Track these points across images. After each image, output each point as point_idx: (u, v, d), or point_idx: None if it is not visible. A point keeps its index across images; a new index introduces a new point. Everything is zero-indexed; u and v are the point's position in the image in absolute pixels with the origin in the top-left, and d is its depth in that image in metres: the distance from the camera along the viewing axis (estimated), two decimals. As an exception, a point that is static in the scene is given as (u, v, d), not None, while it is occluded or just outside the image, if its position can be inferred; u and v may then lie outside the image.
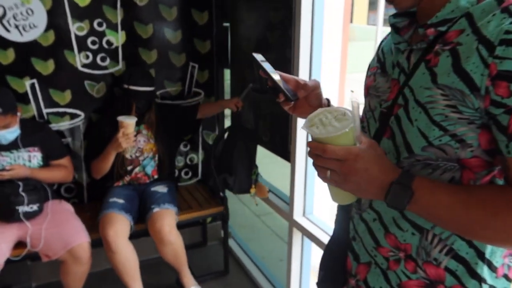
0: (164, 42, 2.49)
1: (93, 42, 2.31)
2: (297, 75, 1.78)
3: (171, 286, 2.39)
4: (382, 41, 0.93)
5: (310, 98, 0.90)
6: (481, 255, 0.73)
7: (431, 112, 0.67)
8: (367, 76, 0.93)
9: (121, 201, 2.19)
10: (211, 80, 2.68)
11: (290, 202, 2.00)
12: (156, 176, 2.38)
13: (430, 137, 0.68)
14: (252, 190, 2.34)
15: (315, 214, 2.01)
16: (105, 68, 2.38)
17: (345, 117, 0.70)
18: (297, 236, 2.02)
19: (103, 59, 2.36)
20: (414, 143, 0.71)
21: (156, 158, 2.36)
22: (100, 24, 2.31)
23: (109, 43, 2.35)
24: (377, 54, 0.91)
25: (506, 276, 0.76)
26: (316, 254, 2.14)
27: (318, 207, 2.07)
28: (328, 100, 0.97)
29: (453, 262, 0.73)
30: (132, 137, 2.08)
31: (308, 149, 0.71)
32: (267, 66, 0.91)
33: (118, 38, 2.37)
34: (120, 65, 2.41)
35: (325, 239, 1.81)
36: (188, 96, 2.65)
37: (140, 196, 2.32)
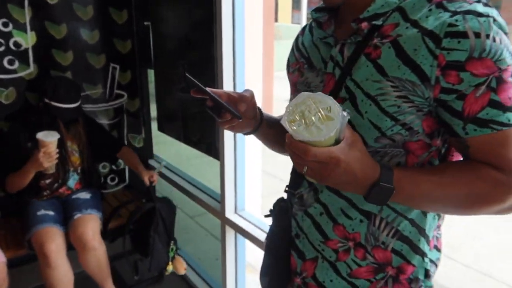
0: (80, 43, 2.36)
1: (-1, 44, 2.13)
2: (221, 75, 1.78)
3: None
4: (297, 37, 0.95)
5: (247, 109, 0.84)
6: (422, 232, 0.79)
7: (382, 104, 0.70)
8: (290, 73, 0.94)
9: (51, 213, 2.05)
10: (134, 81, 2.59)
11: (221, 200, 2.00)
12: (79, 188, 2.25)
13: (382, 128, 0.71)
14: (169, 267, 2.29)
15: (247, 211, 2.02)
16: (14, 71, 2.20)
17: (330, 113, 0.62)
18: (230, 233, 2.02)
19: (11, 62, 2.18)
20: (367, 135, 0.73)
21: (79, 170, 2.23)
22: (5, 25, 2.12)
23: (17, 44, 2.17)
24: (296, 50, 0.92)
25: (436, 247, 0.83)
26: (250, 251, 2.16)
27: (250, 203, 2.09)
28: (259, 109, 0.94)
29: (399, 242, 0.78)
30: (55, 155, 1.93)
31: (286, 141, 0.66)
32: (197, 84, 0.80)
33: (27, 39, 2.20)
34: (32, 68, 2.24)
35: (259, 235, 1.83)
36: (110, 99, 2.54)
37: (63, 205, 2.19)
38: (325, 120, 0.62)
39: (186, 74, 0.77)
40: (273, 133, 0.98)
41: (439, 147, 0.75)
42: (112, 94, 2.54)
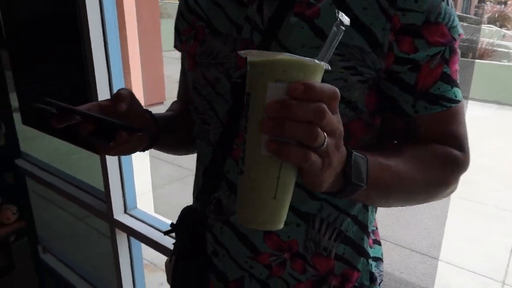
0: None
1: None
2: (94, 70, 1.46)
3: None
4: None
5: (131, 112, 0.60)
6: (364, 229, 0.66)
7: (326, 77, 0.48)
8: (183, 42, 0.71)
9: None
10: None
11: (106, 199, 1.70)
12: None
13: None
14: None
15: (139, 208, 1.76)
16: None
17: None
18: (121, 237, 1.74)
19: None
20: None
21: None
22: None
23: None
24: (189, 11, 0.70)
25: (376, 241, 0.71)
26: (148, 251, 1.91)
27: (140, 199, 1.82)
28: (148, 111, 0.69)
29: (341, 246, 0.64)
30: None
31: (266, 104, 0.39)
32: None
33: None
34: None
35: (155, 236, 1.58)
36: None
37: None
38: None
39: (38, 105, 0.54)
40: (176, 136, 0.78)
41: (378, 126, 0.62)
42: (-47, 82, 2.02)
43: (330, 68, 0.41)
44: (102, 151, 0.59)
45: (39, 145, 2.70)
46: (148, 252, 1.91)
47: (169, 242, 1.52)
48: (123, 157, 1.65)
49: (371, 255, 0.68)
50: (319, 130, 0.38)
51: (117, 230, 1.71)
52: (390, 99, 0.58)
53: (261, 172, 0.42)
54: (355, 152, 0.48)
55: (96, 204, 1.80)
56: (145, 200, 3.65)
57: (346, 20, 0.42)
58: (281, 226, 0.45)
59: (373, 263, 0.68)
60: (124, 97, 0.59)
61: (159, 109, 0.82)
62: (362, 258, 0.66)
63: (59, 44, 1.69)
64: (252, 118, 0.41)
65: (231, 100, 0.62)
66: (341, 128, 0.42)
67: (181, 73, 0.82)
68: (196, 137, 0.74)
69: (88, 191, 1.90)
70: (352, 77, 0.54)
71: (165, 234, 0.75)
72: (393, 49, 0.54)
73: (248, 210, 0.45)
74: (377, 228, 0.72)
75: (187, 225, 0.71)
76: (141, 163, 3.83)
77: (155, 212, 1.93)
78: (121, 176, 1.67)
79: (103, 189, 1.84)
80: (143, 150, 0.71)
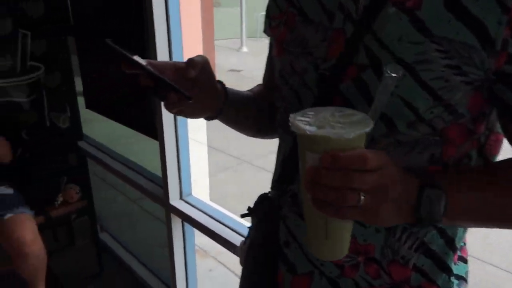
0: (-22, 4, 1.93)
1: None
2: (155, 48, 1.49)
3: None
4: None
5: (200, 80, 0.61)
6: (450, 244, 0.59)
7: (423, 75, 0.48)
8: (272, 28, 0.68)
9: None
10: (52, 51, 2.20)
11: (163, 185, 1.74)
12: None
13: (420, 110, 0.50)
14: (59, 198, 2.07)
15: (194, 195, 1.79)
16: None
17: (355, 116, 0.47)
18: (176, 222, 1.78)
19: None
20: (397, 119, 0.52)
21: None
22: None
23: None
24: None
25: (461, 259, 0.65)
26: (200, 234, 1.95)
27: (196, 185, 1.86)
28: (221, 83, 0.70)
29: (422, 257, 0.59)
30: None
31: (305, 169, 0.46)
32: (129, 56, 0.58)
33: None
34: None
35: (208, 223, 1.61)
36: (23, 72, 2.14)
37: None
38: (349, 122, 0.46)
39: (108, 42, 0.56)
40: (245, 115, 0.77)
41: (480, 134, 0.55)
42: (26, 67, 2.14)
43: (369, 131, 0.45)
44: (165, 106, 0.62)
45: (96, 129, 2.81)
46: (199, 238, 1.95)
47: (221, 229, 1.54)
48: (180, 144, 1.68)
49: (454, 272, 0.62)
50: (349, 193, 0.43)
51: (172, 215, 1.76)
52: (501, 105, 0.51)
53: (311, 218, 0.50)
54: (428, 190, 0.48)
55: (153, 188, 1.85)
56: (196, 187, 3.74)
57: (397, 72, 0.44)
58: (342, 256, 0.52)
59: (455, 281, 0.62)
60: (195, 64, 0.60)
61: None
62: (444, 274, 0.60)
63: (123, 32, 1.74)
64: (302, 175, 0.48)
65: (317, 92, 0.59)
66: (384, 181, 0.44)
67: (268, 58, 0.80)
68: (278, 126, 0.72)
69: (145, 175, 1.96)
70: (454, 77, 0.48)
71: (241, 217, 0.76)
72: (508, 47, 0.47)
73: (310, 240, 0.52)
74: (465, 244, 0.67)
75: (262, 212, 0.71)
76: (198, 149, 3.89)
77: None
78: (178, 163, 1.70)
79: (158, 174, 1.90)
80: (208, 119, 0.72)
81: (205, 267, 3.04)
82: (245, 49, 12.20)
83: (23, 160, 1.97)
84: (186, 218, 1.70)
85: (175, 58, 1.55)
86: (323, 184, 0.43)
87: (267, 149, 4.21)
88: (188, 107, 0.62)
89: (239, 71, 9.20)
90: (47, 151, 2.07)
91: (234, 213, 1.60)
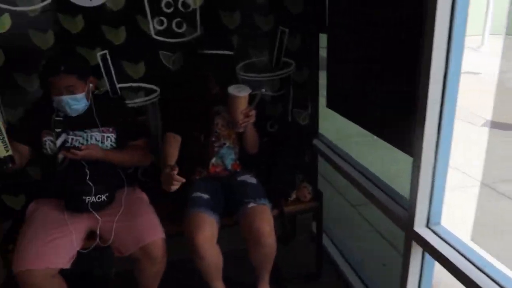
0: (248, 2, 2.08)
1: (168, 5, 1.98)
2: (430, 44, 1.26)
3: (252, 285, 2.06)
4: None
5: None
6: None
7: None
8: None
9: (205, 196, 1.85)
10: (305, 48, 2.23)
11: (410, 207, 1.52)
12: (238, 170, 2.03)
13: None
14: (293, 195, 2.01)
15: (443, 225, 1.51)
16: (182, 35, 2.04)
17: None
18: (416, 251, 1.54)
19: (179, 25, 2.02)
20: None
21: (237, 149, 2.00)
22: (174, -17, 1.96)
23: (185, 5, 2.00)
24: None
25: None
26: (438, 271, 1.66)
27: (446, 215, 1.57)
28: None
29: None
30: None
31: None
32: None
33: (195, -1, 2.01)
34: (198, 31, 2.06)
35: (457, 260, 1.32)
36: (277, 68, 2.23)
37: (224, 188, 1.97)
38: None
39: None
40: None
41: None
42: (279, 63, 2.23)
43: None
44: None
45: (324, 125, 2.75)
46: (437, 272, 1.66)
47: (478, 276, 1.23)
48: (438, 166, 1.42)
49: None
50: None
51: (413, 243, 1.53)
52: None
53: None
54: None
55: (395, 208, 1.65)
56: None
57: None
58: None
59: None
60: None
61: None
62: None
63: (385, 39, 1.57)
64: None
65: None
66: None
67: None
68: None
69: (386, 191, 1.78)
70: None
71: None
72: None
73: None
74: None
75: None
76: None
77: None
78: (432, 187, 1.45)
79: (399, 190, 1.69)
80: None
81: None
82: (485, 48, 10.61)
83: (267, 152, 2.06)
84: (432, 251, 1.44)
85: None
86: None
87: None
88: None
89: (477, 73, 8.01)
90: (286, 146, 2.11)
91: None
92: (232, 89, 1.71)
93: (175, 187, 1.60)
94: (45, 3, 1.85)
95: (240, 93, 1.69)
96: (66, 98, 1.68)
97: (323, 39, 2.22)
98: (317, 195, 2.03)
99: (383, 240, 2.69)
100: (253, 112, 1.76)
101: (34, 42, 1.88)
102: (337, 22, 2.01)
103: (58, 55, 1.83)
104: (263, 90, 1.73)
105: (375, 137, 1.71)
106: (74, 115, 1.74)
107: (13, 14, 1.83)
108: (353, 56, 1.86)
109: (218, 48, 1.85)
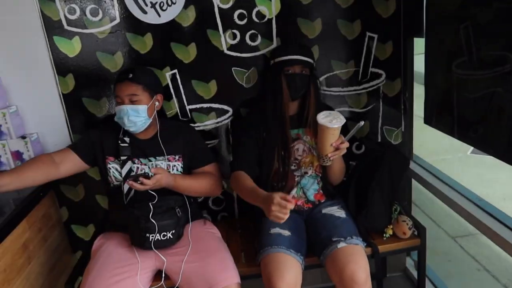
0: (330, 8, 1.82)
1: (241, 16, 1.78)
2: None
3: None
4: None
5: None
6: None
7: None
8: None
9: (286, 233, 1.57)
10: (397, 56, 1.91)
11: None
12: (323, 201, 1.75)
13: None
14: (389, 230, 1.68)
15: None
16: (256, 49, 1.83)
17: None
18: None
19: (253, 38, 1.82)
20: None
21: (320, 178, 1.73)
22: (247, -10, 1.77)
23: (260, 15, 1.79)
24: None
25: None
26: None
27: None
28: None
29: None
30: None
31: None
32: None
33: (271, 8, 1.79)
34: (274, 43, 1.84)
35: None
36: (364, 80, 1.94)
37: (307, 223, 1.70)
38: None
39: None
40: None
41: None
42: (367, 74, 1.94)
43: None
44: None
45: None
46: None
47: None
48: None
49: None
50: None
51: None
52: None
53: None
54: None
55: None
56: None
57: None
58: None
59: None
60: None
61: None
62: None
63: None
64: None
65: None
66: None
67: None
68: None
69: (493, 214, 1.41)
70: None
71: None
72: None
73: None
74: None
75: None
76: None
77: None
78: None
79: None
80: None
81: None
82: None
83: (353, 178, 1.76)
84: None
85: None
86: None
87: None
88: None
89: None
90: (380, 171, 1.79)
91: None
92: (322, 118, 1.41)
93: (287, 216, 1.35)
94: (113, 23, 1.74)
95: (332, 123, 1.40)
96: (126, 107, 1.54)
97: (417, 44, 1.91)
98: (419, 231, 1.69)
99: (490, 278, 2.25)
100: (345, 145, 1.47)
101: (103, 64, 1.79)
102: (437, 24, 1.68)
103: (132, 67, 1.73)
104: (362, 122, 1.41)
105: (469, 152, 1.36)
106: (131, 129, 1.59)
107: (83, 36, 1.75)
108: (465, 62, 1.52)
109: (296, 53, 1.61)
